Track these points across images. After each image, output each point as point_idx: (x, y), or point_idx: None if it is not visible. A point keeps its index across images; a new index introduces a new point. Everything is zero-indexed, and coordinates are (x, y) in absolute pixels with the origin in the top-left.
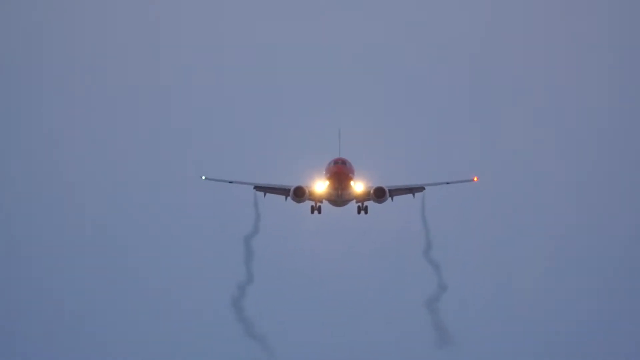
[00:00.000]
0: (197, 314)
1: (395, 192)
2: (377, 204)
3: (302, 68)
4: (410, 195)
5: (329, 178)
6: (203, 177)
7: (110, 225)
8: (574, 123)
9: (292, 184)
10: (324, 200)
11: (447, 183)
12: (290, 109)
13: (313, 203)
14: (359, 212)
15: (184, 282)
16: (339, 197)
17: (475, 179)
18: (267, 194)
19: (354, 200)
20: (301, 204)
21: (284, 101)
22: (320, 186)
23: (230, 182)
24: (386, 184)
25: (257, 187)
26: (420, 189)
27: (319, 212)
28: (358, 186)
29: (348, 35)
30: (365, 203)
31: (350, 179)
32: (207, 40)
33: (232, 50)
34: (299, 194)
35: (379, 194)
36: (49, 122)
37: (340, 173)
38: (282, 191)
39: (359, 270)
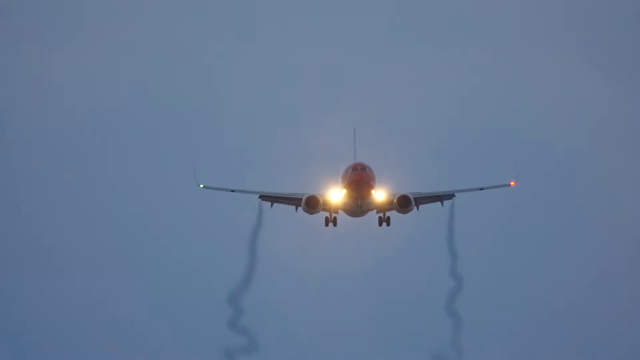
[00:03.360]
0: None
1: (421, 200)
2: (400, 214)
3: (312, 61)
4: (439, 203)
5: (347, 186)
6: (201, 185)
7: (93, 234)
8: (620, 118)
9: (302, 192)
10: (339, 211)
11: (481, 189)
12: (299, 107)
13: (328, 214)
14: (380, 224)
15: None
16: (358, 207)
17: (512, 183)
18: (275, 205)
19: (375, 211)
20: (314, 215)
21: (292, 99)
22: (336, 195)
23: (233, 191)
24: (411, 192)
25: (264, 197)
26: (450, 196)
27: (335, 224)
28: (379, 194)
29: (364, 25)
30: (388, 213)
31: (371, 187)
32: (208, 37)
33: (233, 46)
34: (312, 204)
35: (403, 203)
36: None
37: (360, 181)
38: (292, 201)
39: (379, 293)
